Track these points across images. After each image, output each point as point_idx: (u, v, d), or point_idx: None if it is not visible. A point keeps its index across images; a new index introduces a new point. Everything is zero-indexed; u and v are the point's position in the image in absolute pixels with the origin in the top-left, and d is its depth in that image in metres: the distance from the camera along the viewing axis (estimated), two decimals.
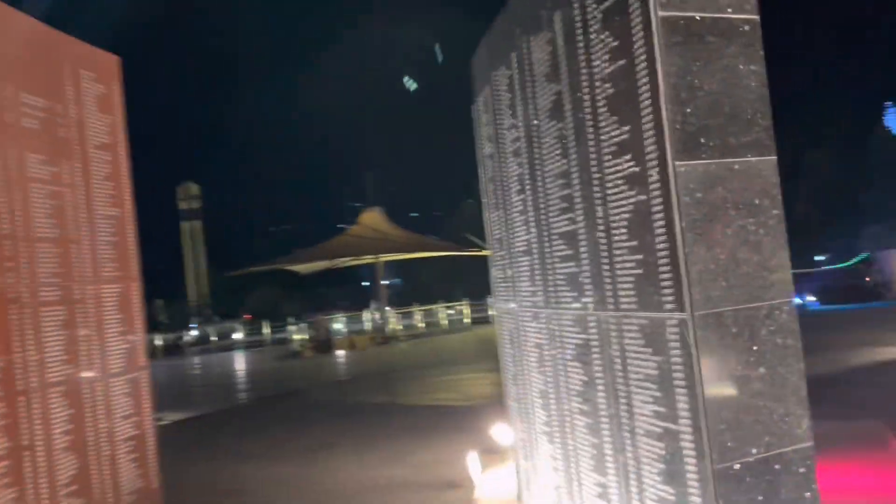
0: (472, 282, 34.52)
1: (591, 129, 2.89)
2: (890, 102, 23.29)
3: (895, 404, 7.05)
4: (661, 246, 2.51)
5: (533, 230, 3.56)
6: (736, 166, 2.51)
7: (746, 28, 2.55)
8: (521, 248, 3.78)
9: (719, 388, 2.41)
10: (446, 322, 27.52)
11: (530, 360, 3.79)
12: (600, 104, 2.81)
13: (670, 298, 2.49)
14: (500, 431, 6.26)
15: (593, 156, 2.89)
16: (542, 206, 3.42)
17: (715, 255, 2.45)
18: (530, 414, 3.89)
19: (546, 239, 3.39)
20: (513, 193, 3.81)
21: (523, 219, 3.68)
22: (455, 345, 20.69)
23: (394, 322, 26.17)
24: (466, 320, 27.42)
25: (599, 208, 2.87)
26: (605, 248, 2.87)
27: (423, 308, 28.81)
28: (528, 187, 3.58)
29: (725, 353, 2.44)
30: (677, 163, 2.43)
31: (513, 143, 3.74)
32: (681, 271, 2.43)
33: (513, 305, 4.05)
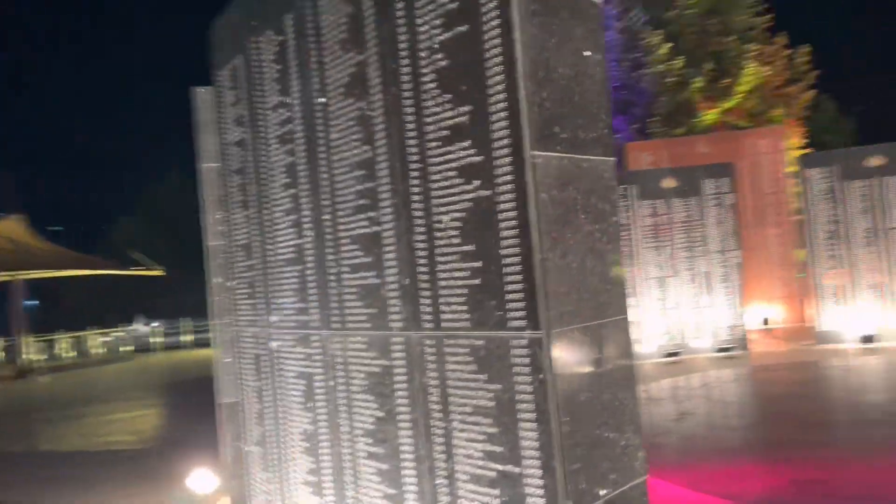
0: (132, 306, 30.95)
1: (410, 110, 2.37)
2: None
3: None
4: (510, 251, 2.09)
5: (308, 233, 2.88)
6: (584, 164, 2.21)
7: (593, 11, 2.29)
8: (285, 256, 3.06)
9: (573, 419, 2.05)
10: (102, 350, 24.06)
11: (291, 395, 3.07)
12: (427, 79, 2.31)
13: (520, 314, 2.07)
14: (200, 479, 5.29)
15: (413, 142, 2.37)
16: (325, 203, 2.77)
17: (568, 263, 2.11)
18: (284, 460, 3.16)
19: (330, 244, 2.75)
20: (276, 188, 3.09)
21: (292, 219, 2.98)
22: (117, 377, 18.08)
23: (31, 352, 22.05)
24: (128, 348, 24.30)
25: (419, 205, 2.36)
26: (423, 253, 2.35)
27: (71, 335, 24.86)
28: (302, 180, 2.90)
29: (578, 378, 2.09)
30: (534, 153, 2.04)
31: (280, 126, 3.03)
32: (535, 282, 2.03)
33: (259, 328, 3.29)
